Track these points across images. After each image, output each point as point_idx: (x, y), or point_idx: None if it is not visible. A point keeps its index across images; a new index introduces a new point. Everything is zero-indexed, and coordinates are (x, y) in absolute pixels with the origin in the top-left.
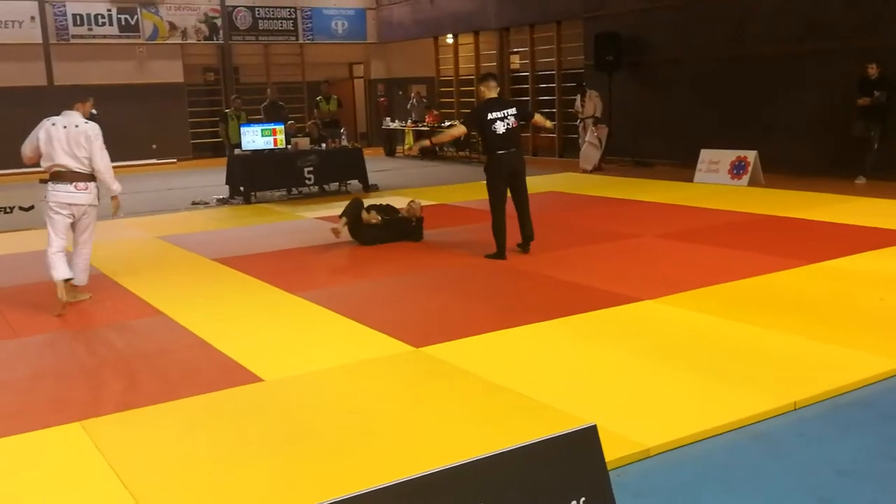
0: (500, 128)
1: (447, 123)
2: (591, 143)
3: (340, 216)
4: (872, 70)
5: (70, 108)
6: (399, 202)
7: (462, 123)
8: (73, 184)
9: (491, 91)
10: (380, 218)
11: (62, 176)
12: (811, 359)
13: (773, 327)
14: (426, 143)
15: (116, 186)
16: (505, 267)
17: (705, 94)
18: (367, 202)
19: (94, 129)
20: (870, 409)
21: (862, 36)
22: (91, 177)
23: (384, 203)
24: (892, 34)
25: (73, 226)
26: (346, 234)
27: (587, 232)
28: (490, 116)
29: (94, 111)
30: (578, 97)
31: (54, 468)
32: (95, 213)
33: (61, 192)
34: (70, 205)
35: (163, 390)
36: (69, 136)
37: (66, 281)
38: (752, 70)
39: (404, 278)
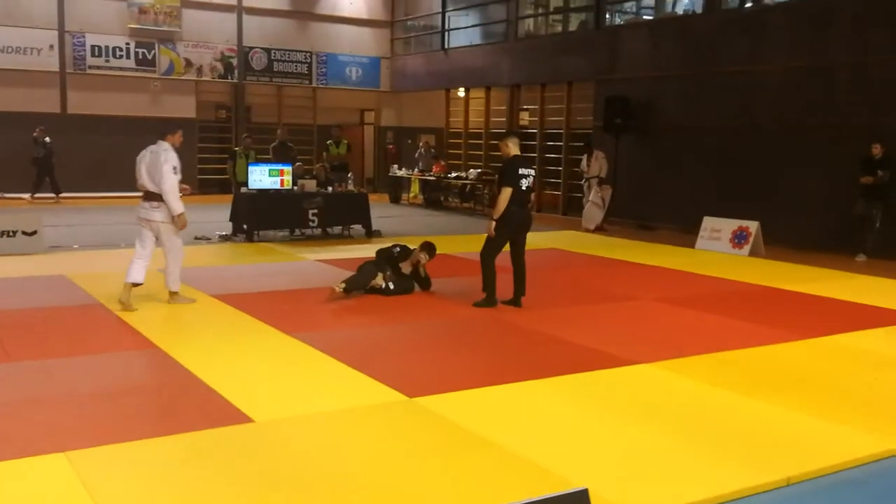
0: (524, 184)
1: (454, 174)
2: (594, 203)
3: (343, 284)
4: (877, 150)
5: (162, 138)
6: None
7: (506, 185)
8: (148, 202)
9: (516, 148)
10: (391, 286)
11: (143, 195)
12: (806, 434)
13: (769, 400)
14: (492, 224)
15: (176, 206)
16: (503, 322)
17: (710, 162)
18: (382, 245)
19: (167, 156)
20: (862, 488)
21: (866, 115)
22: (156, 196)
23: (398, 247)
24: (894, 115)
25: (158, 240)
26: (341, 279)
27: (587, 291)
28: (521, 172)
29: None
30: (585, 156)
31: (32, 499)
32: (171, 230)
33: (140, 209)
34: (145, 219)
35: (152, 425)
36: (150, 161)
37: (134, 285)
38: (757, 142)
39: (401, 326)
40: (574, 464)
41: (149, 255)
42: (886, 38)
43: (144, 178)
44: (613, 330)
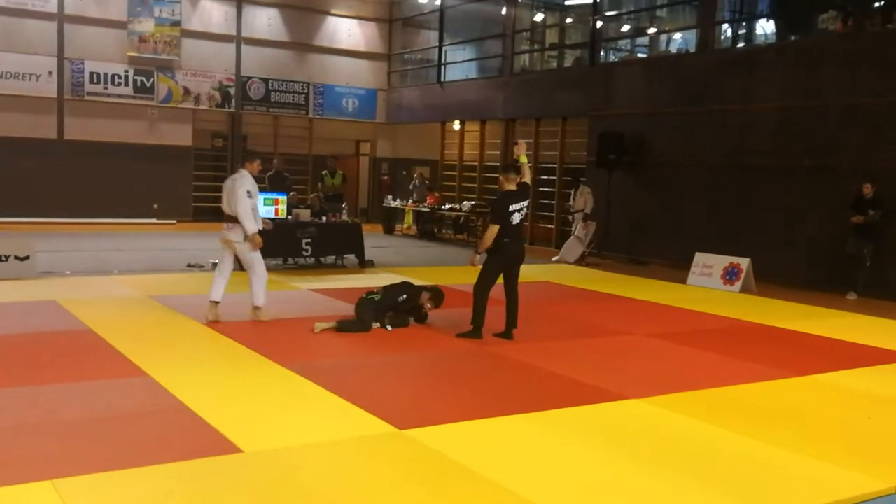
0: (516, 218)
1: (447, 206)
2: (576, 237)
3: (329, 325)
4: (867, 189)
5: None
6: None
7: (493, 222)
8: (226, 224)
9: (511, 183)
10: (389, 328)
11: (224, 217)
12: (798, 473)
13: (761, 438)
14: (476, 257)
15: (249, 226)
16: (495, 354)
17: (703, 199)
18: (374, 275)
19: (242, 181)
20: None
21: (857, 155)
22: (236, 219)
23: (405, 294)
24: (887, 155)
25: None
26: (334, 309)
27: (579, 325)
28: (511, 208)
29: None
30: (573, 191)
31: None
32: (247, 248)
33: (222, 230)
34: (224, 240)
35: (140, 454)
36: (229, 187)
37: (214, 303)
38: (749, 180)
39: (393, 358)
40: (563, 499)
41: (227, 275)
42: (876, 79)
43: (224, 203)
44: (605, 365)
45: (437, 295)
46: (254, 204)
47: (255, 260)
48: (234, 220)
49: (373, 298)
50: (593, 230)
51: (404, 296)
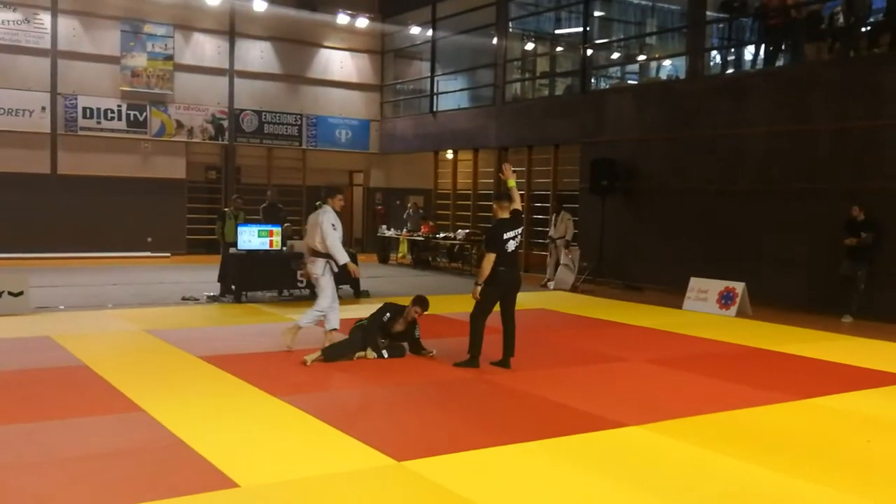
0: (511, 246)
1: (441, 234)
2: (565, 266)
3: (318, 355)
4: (857, 212)
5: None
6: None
7: (489, 251)
8: (310, 258)
9: (504, 211)
10: (385, 355)
11: (308, 252)
12: (798, 498)
13: (760, 463)
14: (477, 289)
15: (340, 257)
16: (492, 383)
17: (696, 224)
18: (370, 304)
19: (325, 216)
20: None
21: (848, 179)
22: (318, 253)
23: (387, 312)
24: (875, 178)
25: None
26: (329, 340)
27: (576, 352)
28: (505, 236)
29: None
30: (553, 217)
31: None
32: (324, 281)
33: (307, 264)
34: (309, 272)
35: (136, 490)
36: (312, 222)
37: (332, 330)
38: (742, 204)
39: (390, 388)
40: None
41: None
42: (864, 104)
43: (307, 237)
44: (603, 391)
45: (421, 300)
46: (340, 236)
47: (325, 288)
48: (316, 254)
49: (362, 325)
50: (578, 256)
51: (388, 314)
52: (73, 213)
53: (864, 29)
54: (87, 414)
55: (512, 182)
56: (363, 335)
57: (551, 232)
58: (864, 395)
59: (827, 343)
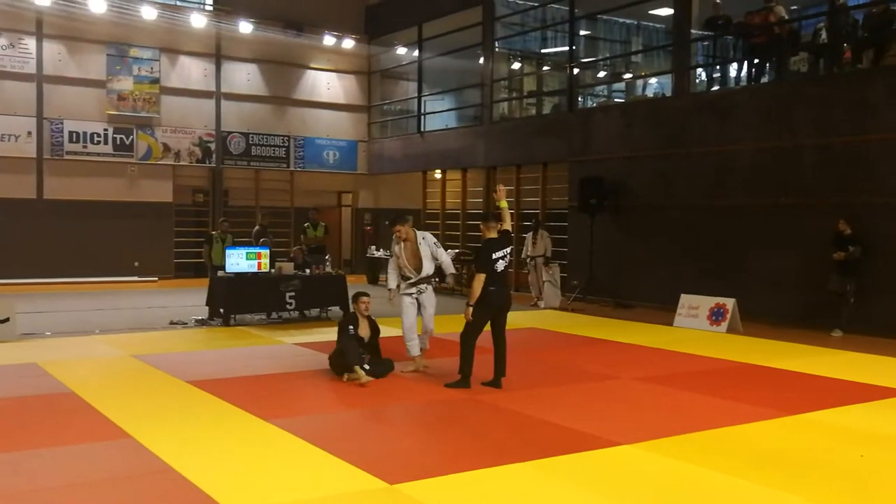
0: (500, 266)
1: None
2: (550, 283)
3: (362, 372)
4: (843, 226)
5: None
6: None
7: (479, 271)
8: (423, 285)
9: (492, 231)
10: (367, 367)
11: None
12: None
13: (754, 480)
14: (469, 310)
15: (452, 270)
16: (484, 403)
17: (685, 240)
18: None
19: (427, 238)
20: None
21: (834, 193)
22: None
23: (346, 319)
24: (860, 192)
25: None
26: (319, 362)
27: (567, 371)
28: (494, 256)
29: None
30: (530, 234)
31: None
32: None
33: (419, 289)
34: (417, 297)
35: None
36: (425, 250)
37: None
38: (730, 220)
39: (379, 409)
40: None
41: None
42: (848, 120)
43: (426, 264)
44: (594, 410)
45: (356, 293)
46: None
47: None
48: (426, 279)
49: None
50: (558, 272)
51: (350, 326)
52: (60, 237)
53: (846, 45)
54: (74, 442)
55: (504, 203)
56: (353, 350)
57: (529, 251)
58: (856, 409)
59: (818, 358)
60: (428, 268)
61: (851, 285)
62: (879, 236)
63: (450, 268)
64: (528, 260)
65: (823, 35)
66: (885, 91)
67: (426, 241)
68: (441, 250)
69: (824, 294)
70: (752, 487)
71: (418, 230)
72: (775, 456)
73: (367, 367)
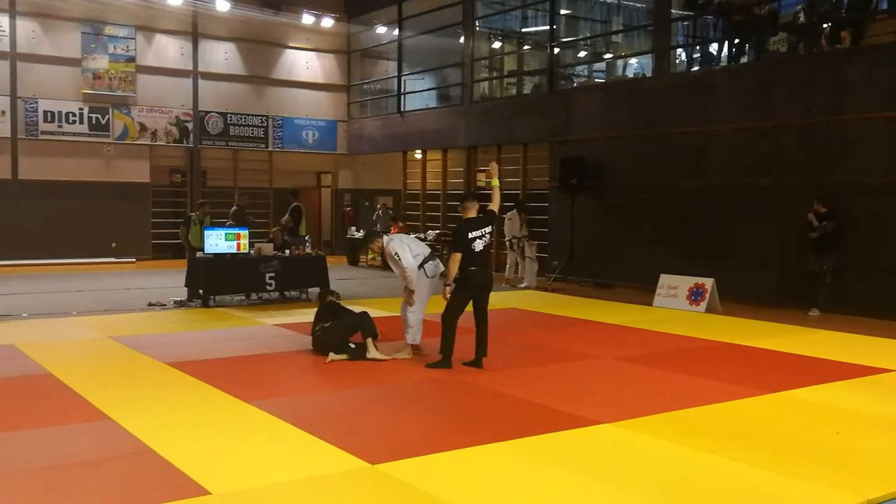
0: (479, 245)
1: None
2: (531, 259)
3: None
4: (818, 206)
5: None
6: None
7: (455, 250)
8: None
9: (471, 211)
10: (352, 346)
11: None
12: (769, 491)
13: (732, 457)
14: (446, 289)
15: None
16: (465, 383)
17: (665, 220)
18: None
19: (388, 242)
20: None
21: (813, 173)
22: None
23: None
24: (840, 172)
25: None
26: (299, 343)
27: (548, 351)
28: (471, 235)
29: None
30: (515, 214)
31: None
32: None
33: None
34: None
35: (104, 501)
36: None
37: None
38: (710, 200)
39: (362, 390)
40: None
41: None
42: (828, 100)
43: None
44: (575, 390)
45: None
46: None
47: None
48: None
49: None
50: (534, 250)
51: (334, 296)
52: (35, 218)
53: (825, 25)
54: (53, 423)
55: (496, 181)
56: (362, 323)
57: (516, 232)
58: (834, 387)
59: (795, 336)
60: (410, 261)
61: (828, 265)
62: (858, 214)
63: (413, 270)
64: (512, 240)
65: (802, 16)
66: (864, 71)
67: (389, 247)
68: (404, 258)
69: (803, 274)
70: (731, 465)
71: (385, 235)
72: (753, 433)
73: (352, 345)
